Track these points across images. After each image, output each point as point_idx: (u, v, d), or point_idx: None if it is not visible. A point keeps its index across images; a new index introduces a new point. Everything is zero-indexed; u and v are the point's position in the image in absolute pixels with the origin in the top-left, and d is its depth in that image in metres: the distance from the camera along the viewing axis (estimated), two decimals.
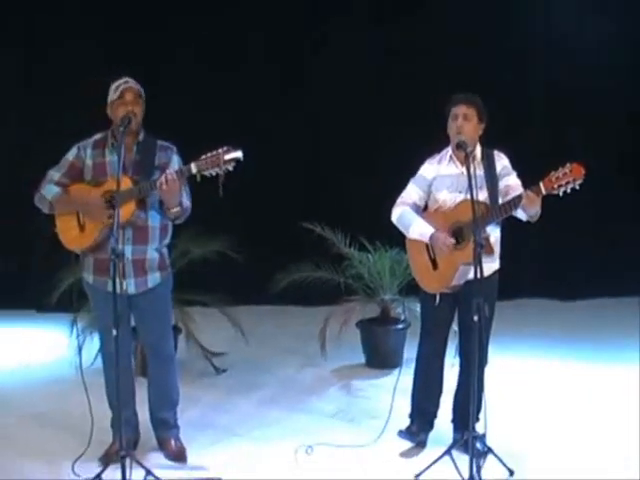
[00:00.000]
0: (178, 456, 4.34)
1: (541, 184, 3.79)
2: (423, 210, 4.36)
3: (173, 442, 4.38)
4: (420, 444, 4.48)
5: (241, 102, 7.67)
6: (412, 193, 4.34)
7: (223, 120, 7.36)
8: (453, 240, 4.10)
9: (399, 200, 4.36)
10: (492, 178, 4.13)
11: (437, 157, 4.34)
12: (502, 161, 4.22)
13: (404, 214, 4.30)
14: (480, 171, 4.13)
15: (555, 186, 3.74)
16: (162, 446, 4.41)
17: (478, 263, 3.72)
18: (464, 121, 4.15)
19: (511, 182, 4.13)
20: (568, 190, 3.74)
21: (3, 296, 7.75)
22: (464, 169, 4.03)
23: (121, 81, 4.13)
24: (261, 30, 7.84)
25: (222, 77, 7.75)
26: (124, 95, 4.07)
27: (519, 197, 3.86)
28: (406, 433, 4.52)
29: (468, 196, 3.93)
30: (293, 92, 7.94)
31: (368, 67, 7.89)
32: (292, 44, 7.88)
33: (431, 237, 4.18)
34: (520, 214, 4.02)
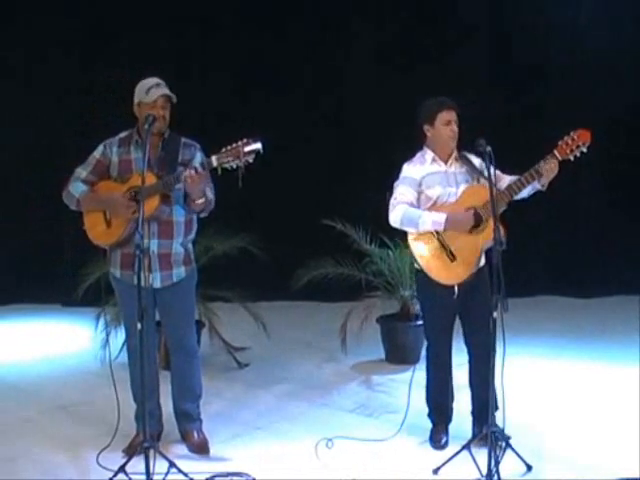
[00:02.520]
0: (201, 448, 4.39)
1: (555, 151, 4.10)
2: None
3: (196, 434, 4.44)
4: (445, 445, 4.46)
5: (264, 98, 7.73)
6: (406, 193, 4.31)
7: (246, 117, 7.42)
8: (467, 207, 4.19)
9: (394, 202, 4.31)
10: (476, 171, 4.32)
11: (415, 160, 4.41)
12: (475, 159, 4.38)
13: (408, 211, 4.25)
14: (462, 168, 4.35)
15: (567, 151, 4.08)
16: (185, 438, 4.47)
17: (498, 259, 3.83)
18: (455, 126, 4.32)
19: (496, 170, 4.30)
20: (578, 154, 4.08)
21: (30, 291, 7.88)
22: (448, 167, 4.34)
23: (152, 83, 4.16)
24: (283, 28, 7.90)
25: (239, 74, 7.82)
26: (156, 102, 4.11)
27: (536, 169, 4.08)
28: (434, 444, 4.46)
29: (461, 188, 4.27)
30: (315, 89, 7.98)
31: (391, 64, 7.93)
32: (313, 43, 7.93)
33: (447, 220, 4.18)
34: (527, 191, 4.20)
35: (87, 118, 7.68)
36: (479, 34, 7.94)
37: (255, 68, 7.81)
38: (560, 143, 4.10)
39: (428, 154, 4.37)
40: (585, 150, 4.09)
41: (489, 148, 4.05)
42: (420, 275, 4.41)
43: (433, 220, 4.22)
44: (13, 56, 7.79)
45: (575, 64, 7.89)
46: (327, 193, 7.89)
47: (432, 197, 4.30)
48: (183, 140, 4.28)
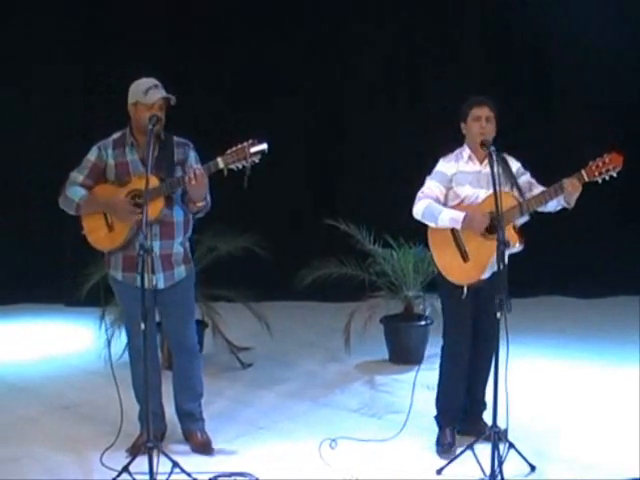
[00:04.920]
0: (204, 448, 4.39)
1: (583, 172, 3.99)
2: (444, 206, 4.35)
3: (199, 434, 4.44)
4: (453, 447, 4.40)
5: (265, 98, 7.74)
6: (433, 188, 4.32)
7: (247, 117, 7.41)
8: (487, 211, 4.13)
9: (420, 195, 4.33)
10: (512, 176, 4.26)
11: (451, 156, 4.39)
12: (515, 162, 4.36)
13: (430, 205, 4.26)
14: (499, 170, 4.22)
15: (596, 174, 3.97)
16: (188, 438, 4.47)
17: (501, 260, 3.81)
18: (487, 123, 4.26)
19: (530, 179, 4.31)
20: (607, 178, 3.97)
21: (33, 290, 7.88)
22: (483, 167, 4.26)
23: (150, 84, 4.12)
24: (283, 28, 7.90)
25: (239, 74, 7.81)
26: (154, 105, 4.08)
27: (560, 185, 4.01)
28: (440, 448, 4.39)
29: (490, 192, 4.10)
30: (316, 88, 7.98)
31: (391, 64, 7.93)
32: (313, 43, 7.92)
33: (465, 218, 4.16)
34: (552, 205, 4.17)
35: (87, 118, 7.68)
36: (479, 34, 7.93)
37: (255, 68, 7.81)
38: (590, 164, 3.98)
39: (465, 151, 4.36)
40: (615, 175, 3.96)
41: (493, 148, 4.06)
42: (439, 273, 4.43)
43: (451, 217, 4.21)
44: (13, 56, 7.78)
45: (576, 64, 7.88)
46: (331, 193, 7.89)
47: (460, 195, 4.29)
48: (176, 139, 4.26)
